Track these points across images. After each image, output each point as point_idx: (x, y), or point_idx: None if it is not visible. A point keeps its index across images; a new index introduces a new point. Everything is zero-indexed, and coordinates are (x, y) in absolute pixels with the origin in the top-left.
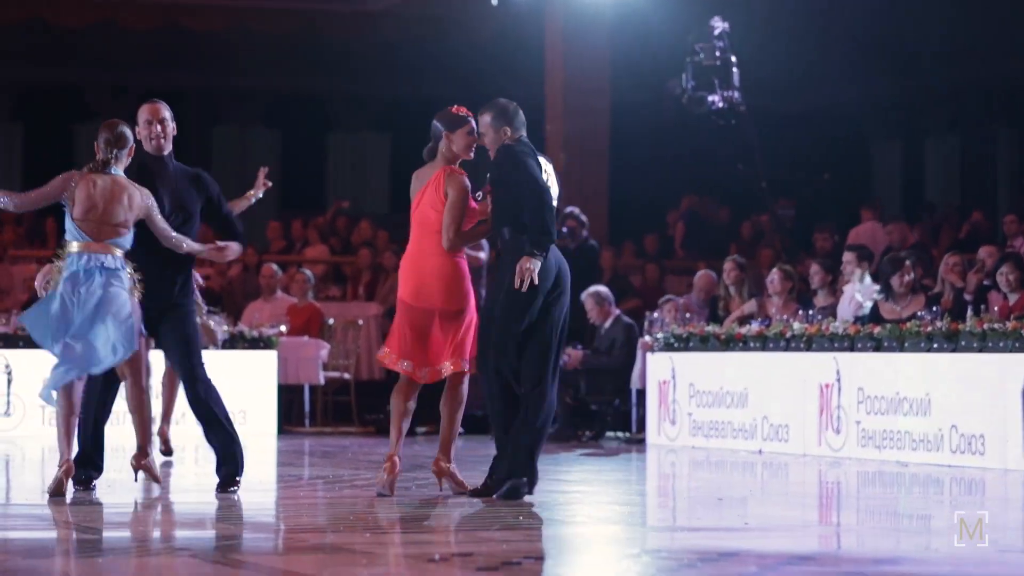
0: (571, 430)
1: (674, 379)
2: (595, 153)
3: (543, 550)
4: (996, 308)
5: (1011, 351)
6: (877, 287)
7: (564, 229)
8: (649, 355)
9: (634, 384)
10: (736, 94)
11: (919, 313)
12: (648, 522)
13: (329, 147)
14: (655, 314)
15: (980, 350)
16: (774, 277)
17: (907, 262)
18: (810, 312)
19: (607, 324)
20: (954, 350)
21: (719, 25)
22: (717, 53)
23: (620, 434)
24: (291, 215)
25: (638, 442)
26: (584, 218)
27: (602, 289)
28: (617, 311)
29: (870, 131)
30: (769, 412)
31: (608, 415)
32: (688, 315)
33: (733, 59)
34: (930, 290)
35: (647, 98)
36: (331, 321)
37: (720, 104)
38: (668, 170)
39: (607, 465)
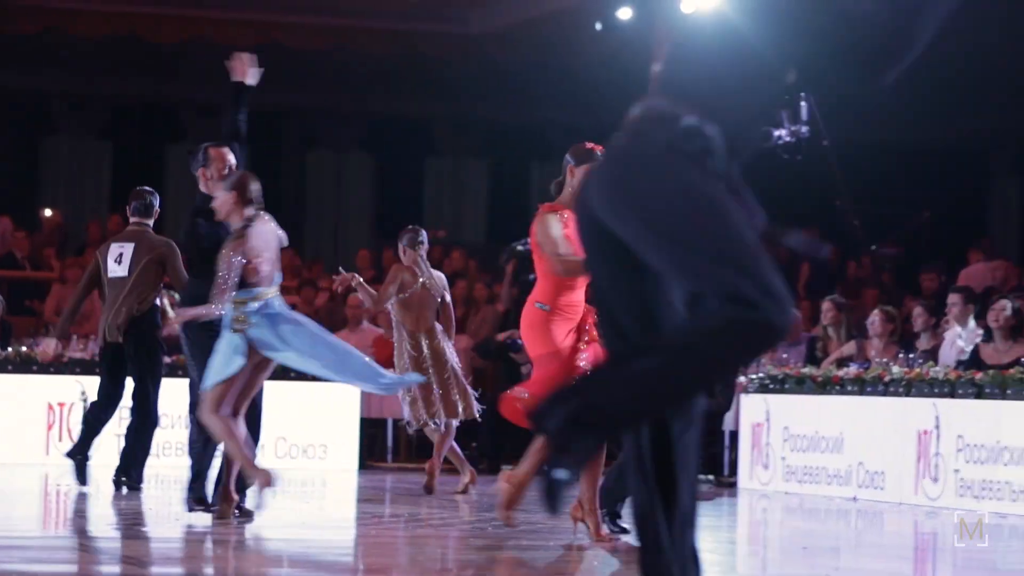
0: None
1: (768, 421)
2: None
3: None
4: None
5: None
6: (981, 331)
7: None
8: (743, 396)
9: (727, 426)
10: (804, 128)
11: (1023, 359)
12: (738, 570)
13: (426, 173)
14: None
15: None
16: (875, 318)
17: (1004, 300)
18: (911, 356)
19: None
20: None
21: None
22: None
23: (711, 477)
24: (384, 243)
25: (729, 486)
26: None
27: None
28: None
29: (989, 166)
30: (865, 458)
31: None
32: (784, 355)
33: (802, 93)
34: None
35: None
36: None
37: (787, 138)
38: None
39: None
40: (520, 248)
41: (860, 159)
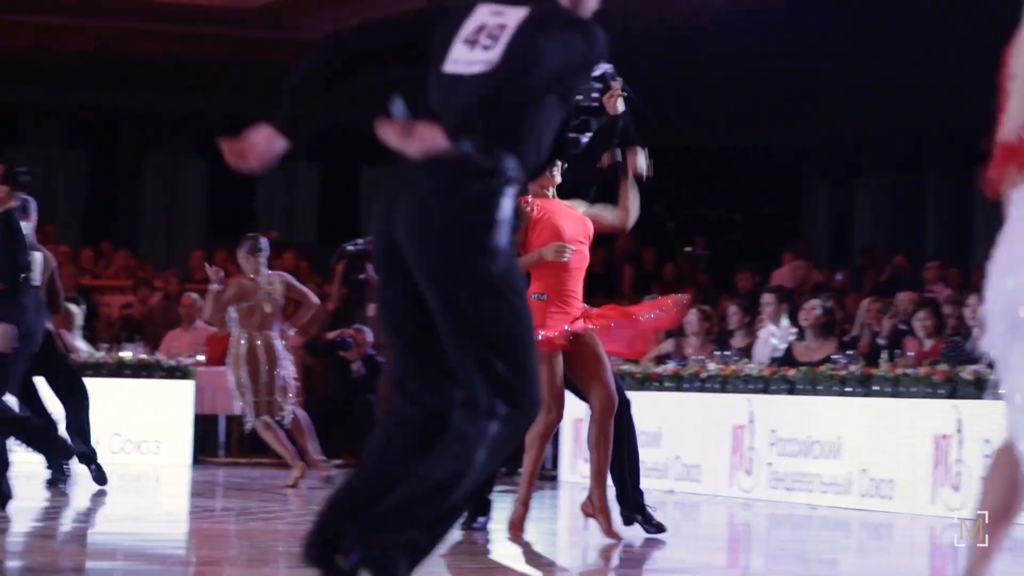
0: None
1: (586, 416)
2: None
3: None
4: (911, 354)
5: (923, 397)
6: (794, 329)
7: None
8: (568, 393)
9: None
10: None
11: (833, 356)
12: (559, 562)
13: (259, 176)
14: None
15: (893, 395)
16: (692, 317)
17: (814, 300)
18: (726, 353)
19: None
20: (866, 394)
21: (600, 68)
22: (594, 95)
23: None
24: (216, 244)
25: (551, 479)
26: None
27: None
28: None
29: (801, 172)
30: (682, 452)
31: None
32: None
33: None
34: (848, 333)
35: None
36: None
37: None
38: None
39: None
40: (350, 248)
41: (676, 164)
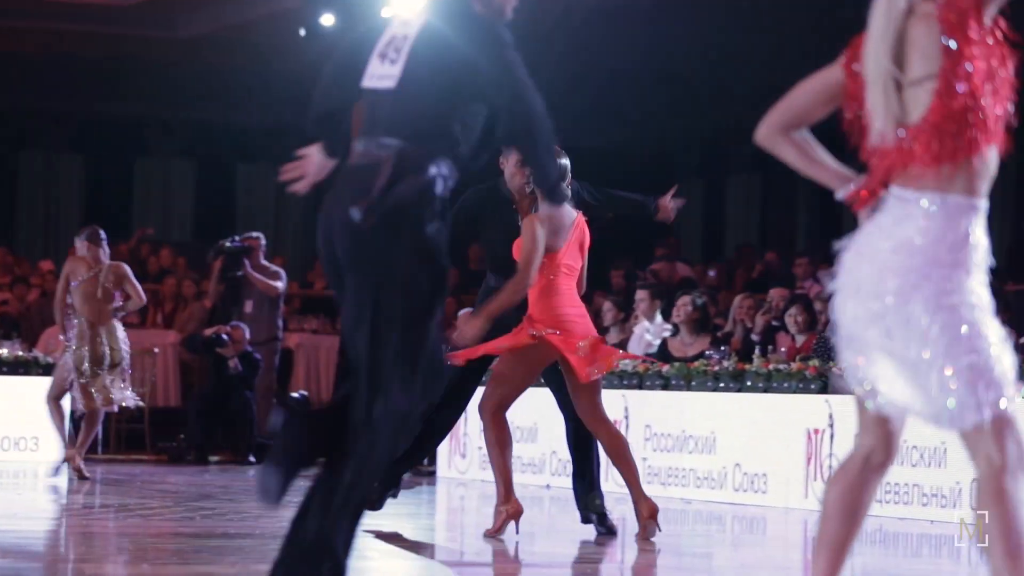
0: None
1: (466, 413)
2: None
3: None
4: (783, 349)
5: (795, 392)
6: (668, 325)
7: None
8: None
9: None
10: None
11: (707, 352)
12: (436, 556)
13: (135, 173)
14: None
15: (765, 390)
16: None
17: (687, 296)
18: None
19: None
20: (740, 390)
21: None
22: None
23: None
24: None
25: (429, 475)
26: None
27: None
28: None
29: (674, 168)
30: (558, 447)
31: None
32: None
33: None
34: (721, 329)
35: None
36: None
37: None
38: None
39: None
40: (228, 245)
41: None
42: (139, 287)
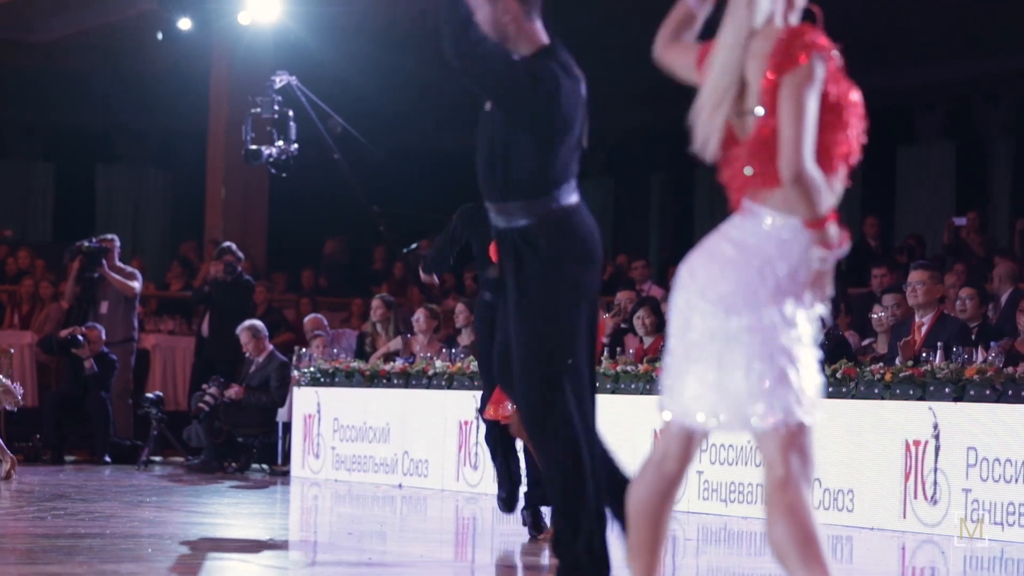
0: (217, 462)
1: (319, 413)
2: (256, 186)
3: None
4: (632, 351)
5: (643, 393)
6: None
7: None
8: (296, 389)
9: (281, 417)
10: (294, 147)
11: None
12: (291, 556)
13: None
14: (303, 349)
15: (613, 391)
16: (420, 316)
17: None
18: (453, 351)
19: (260, 359)
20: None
21: (279, 79)
22: (276, 107)
23: (265, 466)
24: None
25: (283, 474)
26: (240, 254)
27: (258, 323)
28: (271, 346)
29: None
30: (410, 447)
31: (255, 447)
32: (336, 351)
33: (291, 113)
34: None
35: (308, 133)
36: None
37: (276, 155)
38: (324, 204)
39: (250, 497)
40: (86, 245)
41: (408, 165)
42: None
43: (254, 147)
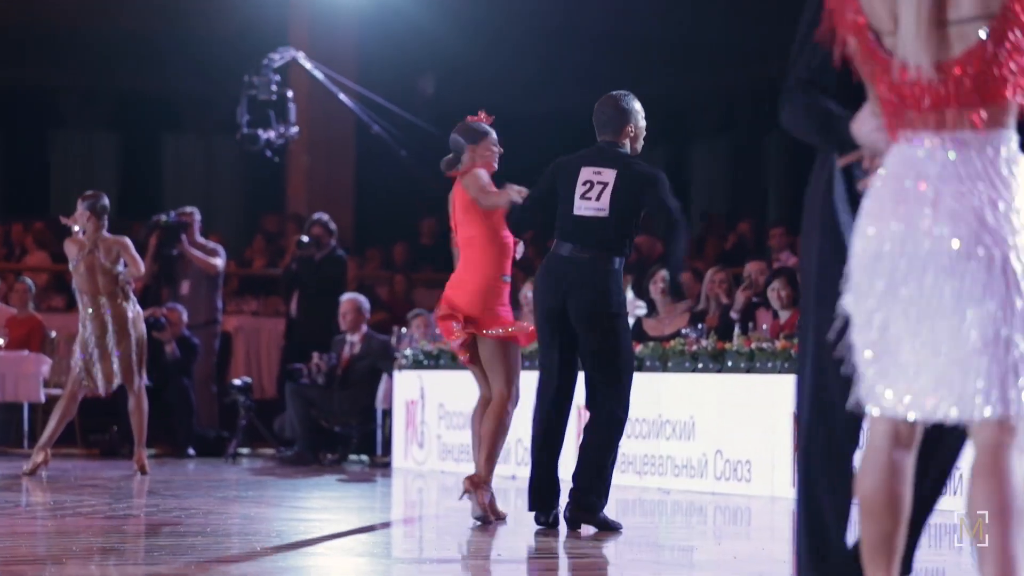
0: (311, 453)
1: (423, 399)
2: (341, 156)
3: None
4: (765, 327)
5: (780, 372)
6: (640, 302)
7: (305, 237)
8: (396, 373)
9: (379, 404)
10: (293, 129)
11: (683, 331)
12: (393, 553)
13: (53, 145)
14: (403, 329)
15: (748, 371)
16: (530, 290)
17: (663, 271)
18: None
19: (355, 337)
20: (720, 370)
21: (278, 58)
22: (273, 87)
23: (364, 457)
24: (11, 219)
25: (383, 466)
26: (332, 225)
27: (363, 297)
28: (366, 327)
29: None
30: (524, 435)
31: (353, 437)
32: (438, 331)
33: (290, 94)
34: (693, 307)
35: (398, 97)
36: (53, 334)
37: (275, 139)
38: (420, 175)
39: (351, 491)
40: (164, 220)
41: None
42: (139, 259)
43: (250, 131)
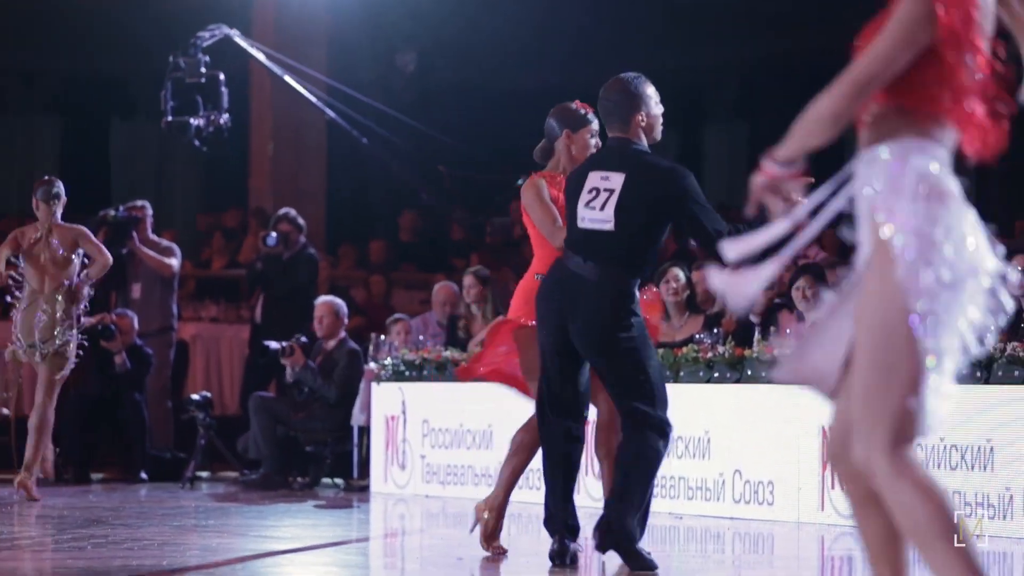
0: (280, 476)
1: (404, 414)
2: (311, 144)
3: None
4: (789, 331)
5: None
6: None
7: (272, 235)
8: (375, 386)
9: (355, 420)
10: (225, 116)
11: (698, 335)
12: None
13: None
14: (382, 336)
15: (770, 381)
16: None
17: (674, 270)
18: None
19: (330, 344)
20: (738, 380)
21: (207, 36)
22: (203, 69)
23: (339, 481)
24: None
25: (361, 490)
26: (301, 221)
27: (339, 301)
28: (344, 332)
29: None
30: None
31: (326, 457)
32: (422, 338)
33: (222, 76)
34: (707, 310)
35: (372, 78)
36: None
37: (203, 127)
38: (397, 166)
39: (324, 518)
40: (113, 215)
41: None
42: (101, 247)
43: (181, 119)
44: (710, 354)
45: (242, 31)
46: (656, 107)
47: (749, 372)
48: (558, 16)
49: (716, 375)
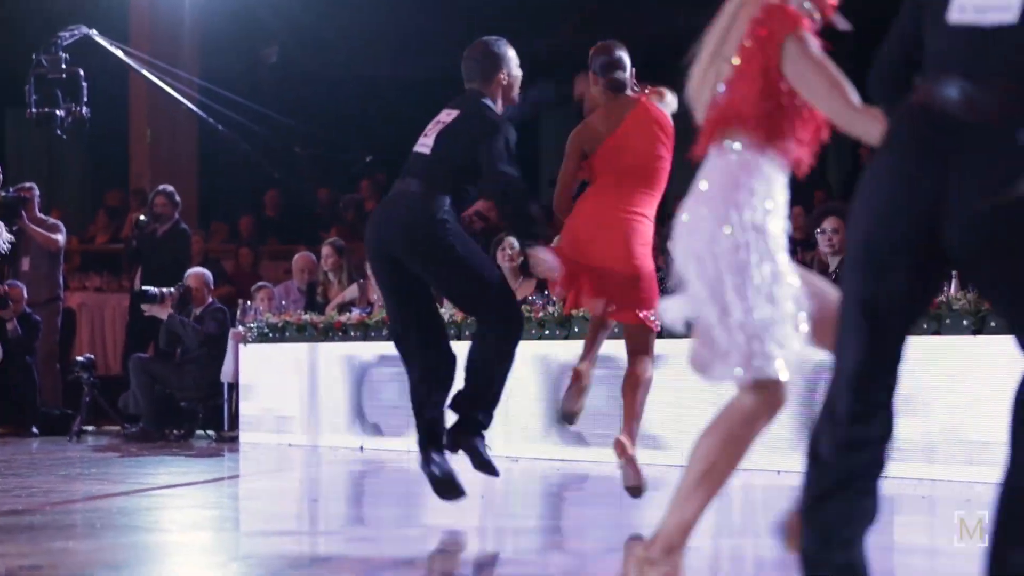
0: (157, 429)
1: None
2: (184, 126)
3: (122, 560)
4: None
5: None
6: None
7: (142, 217)
8: (242, 347)
9: (225, 377)
10: (85, 109)
11: (530, 297)
12: (241, 527)
13: None
14: (248, 302)
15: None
16: None
17: (509, 239)
18: None
19: (200, 311)
20: (567, 337)
21: (68, 35)
22: (63, 65)
23: (211, 432)
24: None
25: (231, 440)
26: (177, 198)
27: (206, 272)
28: (211, 298)
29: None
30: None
31: (199, 412)
32: (284, 303)
33: (81, 72)
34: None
35: (240, 67)
36: None
37: (64, 118)
38: (264, 145)
39: (196, 466)
40: (3, 196)
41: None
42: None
43: (45, 110)
44: (541, 314)
45: (119, 35)
46: (516, 69)
47: (576, 329)
48: (402, 9)
49: (547, 332)
